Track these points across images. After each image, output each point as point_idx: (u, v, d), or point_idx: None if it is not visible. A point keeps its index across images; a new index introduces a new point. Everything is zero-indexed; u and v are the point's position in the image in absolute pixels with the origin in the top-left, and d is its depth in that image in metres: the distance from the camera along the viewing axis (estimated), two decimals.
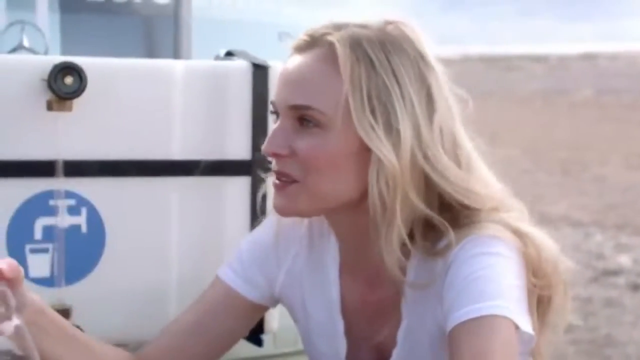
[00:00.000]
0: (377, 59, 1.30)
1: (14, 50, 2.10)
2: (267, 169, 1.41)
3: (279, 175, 1.35)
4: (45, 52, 2.10)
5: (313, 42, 1.34)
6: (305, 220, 1.50)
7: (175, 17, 2.42)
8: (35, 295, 1.37)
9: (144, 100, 1.69)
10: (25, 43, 2.13)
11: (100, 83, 1.63)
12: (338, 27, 1.33)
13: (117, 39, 2.53)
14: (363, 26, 1.33)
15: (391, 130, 1.28)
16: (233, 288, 1.51)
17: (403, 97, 1.29)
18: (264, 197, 1.68)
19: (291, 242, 1.51)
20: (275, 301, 1.55)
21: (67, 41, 2.44)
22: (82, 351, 1.42)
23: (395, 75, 1.29)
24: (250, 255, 1.52)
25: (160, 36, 2.53)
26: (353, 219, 1.36)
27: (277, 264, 1.52)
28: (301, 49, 1.36)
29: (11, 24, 2.18)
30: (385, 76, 1.29)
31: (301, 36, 1.37)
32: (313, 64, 1.33)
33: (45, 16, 2.34)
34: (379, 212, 1.30)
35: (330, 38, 1.32)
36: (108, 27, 2.53)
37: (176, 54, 2.47)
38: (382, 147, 1.28)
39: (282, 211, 1.38)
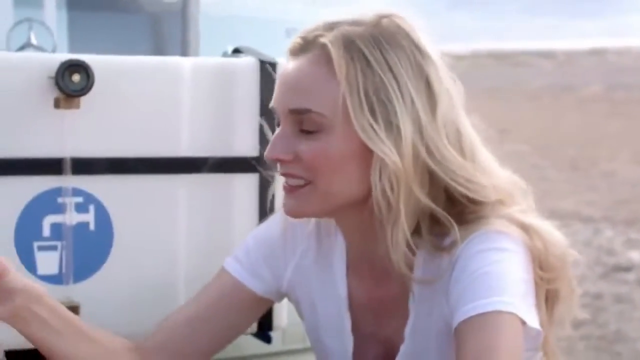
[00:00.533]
0: (372, 56, 1.29)
1: (21, 48, 2.11)
2: (275, 167, 1.40)
3: (288, 176, 1.34)
4: (53, 50, 2.10)
5: (306, 45, 1.33)
6: (313, 218, 1.50)
7: (182, 14, 2.42)
8: (34, 284, 1.37)
9: (152, 97, 1.69)
10: (33, 41, 2.13)
11: (108, 80, 1.63)
12: (330, 27, 1.32)
13: (125, 36, 2.53)
14: (356, 23, 1.32)
15: (391, 127, 1.27)
16: (239, 280, 1.50)
17: (402, 93, 1.28)
18: (272, 194, 1.68)
19: (299, 239, 1.51)
20: (280, 296, 1.55)
21: (74, 39, 2.45)
22: (79, 337, 1.41)
23: (392, 71, 1.28)
24: (257, 249, 1.52)
25: (168, 33, 2.52)
26: (359, 218, 1.36)
27: (284, 259, 1.51)
28: (295, 52, 1.35)
29: (19, 22, 2.18)
30: (381, 73, 1.28)
31: (295, 39, 1.36)
32: (308, 68, 1.32)
33: (53, 14, 2.34)
34: (384, 211, 1.29)
35: (322, 40, 1.31)
36: (115, 25, 2.53)
37: (184, 51, 2.46)
38: (383, 146, 1.27)
39: (293, 213, 1.37)
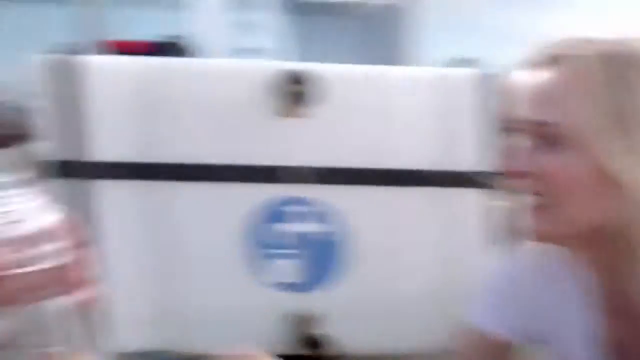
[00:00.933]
0: (630, 78, 1.25)
1: (241, 52, 2.16)
2: (506, 182, 1.37)
3: (528, 193, 1.31)
4: (275, 55, 2.15)
5: (557, 58, 1.30)
6: (551, 251, 1.45)
7: (405, 21, 2.40)
8: None
9: (377, 107, 1.69)
10: (252, 45, 2.18)
11: (334, 89, 1.65)
12: (584, 42, 1.28)
13: (346, 41, 2.53)
14: (610, 41, 1.28)
15: None
16: (485, 329, 1.47)
17: None
18: (498, 211, 1.65)
19: (542, 275, 1.47)
20: (528, 338, 1.50)
21: (297, 43, 2.46)
22: None
23: None
24: (499, 291, 1.48)
25: (390, 39, 2.51)
26: (604, 249, 1.31)
27: (528, 298, 1.47)
28: (542, 64, 1.31)
29: (239, 26, 2.24)
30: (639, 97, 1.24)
31: (542, 50, 1.32)
32: (558, 81, 1.28)
33: (273, 18, 2.38)
34: (628, 243, 1.24)
35: (575, 53, 1.27)
36: (337, 29, 2.53)
37: (405, 58, 2.44)
38: (631, 172, 1.22)
39: (540, 236, 1.32)
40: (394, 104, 1.71)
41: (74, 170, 1.62)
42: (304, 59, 2.12)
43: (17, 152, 1.70)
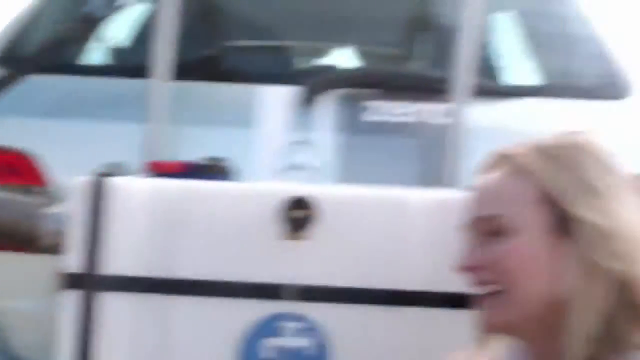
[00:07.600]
0: (560, 159, 1.51)
1: (290, 168, 2.46)
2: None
3: (479, 285, 1.53)
4: (321, 172, 2.42)
5: (502, 157, 1.57)
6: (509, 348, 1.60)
7: (449, 140, 2.59)
8: None
9: (375, 230, 1.95)
10: (302, 161, 2.47)
11: (333, 213, 1.94)
12: (528, 142, 1.55)
13: (403, 161, 2.75)
14: (549, 139, 1.54)
15: None
16: None
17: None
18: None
19: None
20: None
21: (344, 161, 2.71)
22: None
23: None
24: None
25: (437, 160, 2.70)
26: (550, 335, 1.49)
27: None
28: (492, 165, 1.58)
29: (294, 143, 2.53)
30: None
31: (493, 154, 1.59)
32: (501, 176, 1.54)
33: (325, 136, 2.63)
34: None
35: (518, 151, 1.54)
36: (386, 149, 2.76)
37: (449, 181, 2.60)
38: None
39: (493, 326, 1.53)
40: (399, 227, 1.96)
41: (85, 283, 1.96)
42: (349, 177, 2.41)
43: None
